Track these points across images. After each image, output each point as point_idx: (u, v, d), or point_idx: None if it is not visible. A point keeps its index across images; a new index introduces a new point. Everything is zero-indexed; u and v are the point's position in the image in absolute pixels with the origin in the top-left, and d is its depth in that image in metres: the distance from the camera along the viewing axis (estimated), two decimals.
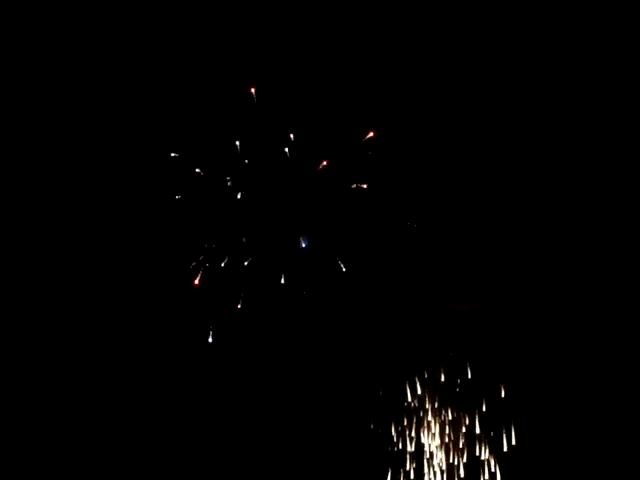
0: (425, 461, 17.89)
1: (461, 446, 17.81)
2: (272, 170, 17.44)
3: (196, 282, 17.45)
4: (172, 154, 17.37)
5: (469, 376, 17.90)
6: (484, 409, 17.75)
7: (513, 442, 17.57)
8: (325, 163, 17.28)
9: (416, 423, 18.07)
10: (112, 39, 17.79)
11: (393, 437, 18.06)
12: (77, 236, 18.38)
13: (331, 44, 17.54)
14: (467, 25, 17.77)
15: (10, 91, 17.93)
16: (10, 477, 18.01)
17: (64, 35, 17.73)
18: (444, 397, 18.03)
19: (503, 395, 17.77)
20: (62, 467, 18.24)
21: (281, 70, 17.51)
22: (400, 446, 18.03)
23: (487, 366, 18.02)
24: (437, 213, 18.22)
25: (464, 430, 17.84)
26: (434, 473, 17.82)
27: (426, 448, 17.93)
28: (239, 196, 17.45)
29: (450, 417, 17.97)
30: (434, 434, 17.95)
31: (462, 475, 17.74)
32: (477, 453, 17.73)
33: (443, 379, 17.98)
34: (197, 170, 17.40)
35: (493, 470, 17.66)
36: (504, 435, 17.61)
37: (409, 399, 18.07)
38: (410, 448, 17.99)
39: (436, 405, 18.03)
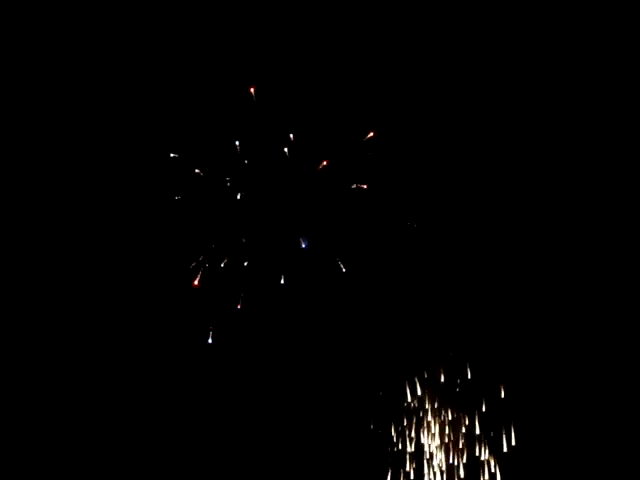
0: (425, 461, 17.91)
1: (461, 446, 17.83)
2: (272, 170, 17.40)
3: (196, 283, 17.44)
4: (172, 155, 17.35)
5: (469, 376, 17.91)
6: (484, 409, 17.76)
7: (513, 442, 17.59)
8: (325, 163, 17.25)
9: (416, 423, 18.08)
10: (112, 40, 17.75)
11: (393, 437, 18.08)
12: (77, 236, 18.36)
13: (331, 44, 17.49)
14: (467, 25, 17.72)
15: (10, 91, 17.89)
16: (10, 477, 18.04)
17: (64, 35, 17.68)
18: (444, 397, 18.04)
19: (503, 395, 17.77)
20: (62, 467, 18.27)
21: (281, 70, 17.47)
22: (400, 446, 18.05)
23: (487, 366, 18.01)
24: (437, 213, 18.20)
25: (464, 430, 17.86)
26: (434, 473, 17.83)
27: (426, 448, 17.95)
28: (239, 196, 17.42)
29: (450, 417, 17.98)
30: (434, 434, 17.95)
31: (462, 475, 17.75)
32: (477, 453, 17.75)
33: (443, 379, 17.98)
34: (197, 171, 17.38)
35: (493, 470, 17.67)
36: (504, 435, 17.62)
37: (409, 399, 18.08)
38: (410, 448, 18.01)
39: (436, 405, 18.04)
